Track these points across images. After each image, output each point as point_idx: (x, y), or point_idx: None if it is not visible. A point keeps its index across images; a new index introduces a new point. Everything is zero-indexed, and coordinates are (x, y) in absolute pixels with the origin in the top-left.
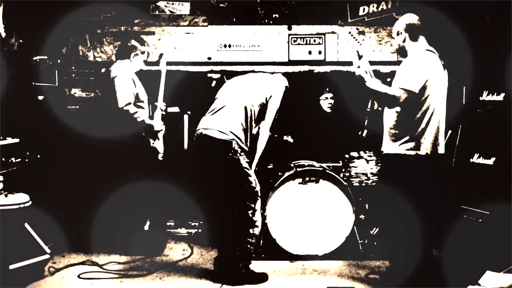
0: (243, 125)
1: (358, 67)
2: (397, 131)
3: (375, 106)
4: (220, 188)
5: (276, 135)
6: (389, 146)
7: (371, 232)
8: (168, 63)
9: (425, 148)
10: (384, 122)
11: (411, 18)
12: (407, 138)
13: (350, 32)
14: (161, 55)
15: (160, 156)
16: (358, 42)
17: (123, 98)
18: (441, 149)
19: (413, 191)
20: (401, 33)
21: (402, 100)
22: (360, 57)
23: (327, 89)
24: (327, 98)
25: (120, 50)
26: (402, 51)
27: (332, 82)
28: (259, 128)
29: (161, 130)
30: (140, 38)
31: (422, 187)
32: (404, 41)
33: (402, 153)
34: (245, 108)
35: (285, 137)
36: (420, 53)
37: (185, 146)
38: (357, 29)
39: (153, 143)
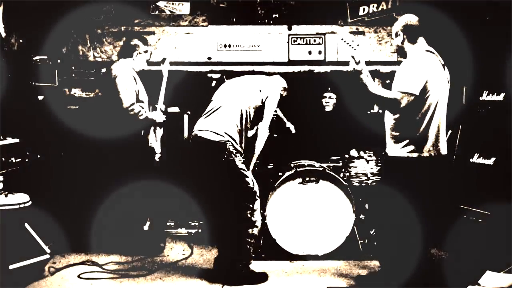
0: (238, 126)
1: (361, 73)
2: (398, 133)
3: (377, 109)
4: (218, 189)
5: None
6: (392, 149)
7: (371, 232)
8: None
9: (428, 149)
10: (385, 124)
11: (410, 18)
12: (408, 140)
13: (343, 39)
14: (163, 60)
15: (157, 157)
16: (352, 47)
17: (127, 98)
18: (444, 150)
19: (416, 192)
20: (399, 34)
21: (404, 104)
22: (357, 63)
23: (329, 89)
24: (330, 97)
25: (123, 49)
26: (401, 52)
27: (332, 82)
28: (256, 129)
29: (163, 121)
30: (144, 37)
31: (426, 189)
32: (402, 42)
33: (404, 155)
34: (241, 110)
35: (288, 124)
36: (419, 55)
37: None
38: (350, 33)
39: (150, 143)
